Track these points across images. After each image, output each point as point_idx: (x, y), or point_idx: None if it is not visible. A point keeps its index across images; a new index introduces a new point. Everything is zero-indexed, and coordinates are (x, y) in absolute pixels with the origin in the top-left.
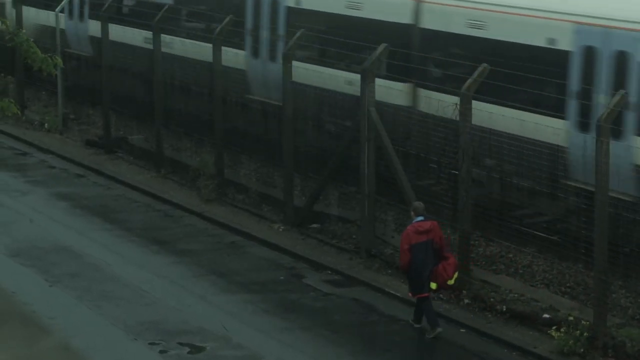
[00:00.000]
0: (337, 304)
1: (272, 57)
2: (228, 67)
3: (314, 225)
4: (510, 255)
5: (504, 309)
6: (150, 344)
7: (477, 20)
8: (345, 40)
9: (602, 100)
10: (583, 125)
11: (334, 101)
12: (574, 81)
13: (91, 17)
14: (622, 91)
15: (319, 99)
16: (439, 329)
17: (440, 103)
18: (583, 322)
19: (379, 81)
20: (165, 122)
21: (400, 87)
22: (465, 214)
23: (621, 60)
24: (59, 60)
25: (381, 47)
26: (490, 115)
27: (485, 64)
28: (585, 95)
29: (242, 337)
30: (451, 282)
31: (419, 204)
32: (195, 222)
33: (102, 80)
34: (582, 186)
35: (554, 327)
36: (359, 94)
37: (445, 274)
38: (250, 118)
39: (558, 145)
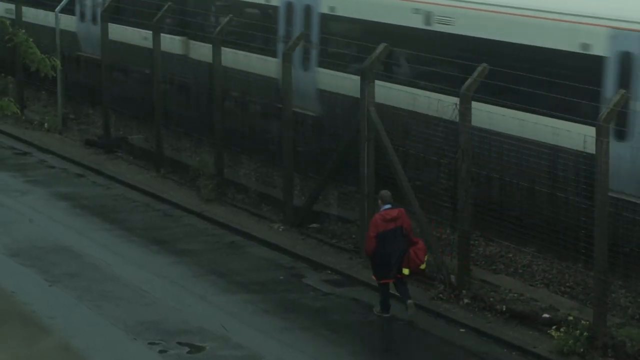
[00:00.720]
0: (337, 303)
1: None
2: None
3: (314, 225)
4: (510, 255)
5: (504, 309)
6: (150, 343)
7: None
8: None
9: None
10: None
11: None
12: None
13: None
14: (621, 91)
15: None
16: (386, 314)
17: (202, 48)
18: (583, 321)
19: (165, 37)
20: (165, 122)
21: (177, 39)
22: (465, 214)
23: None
24: (57, 62)
25: (381, 47)
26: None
27: (485, 64)
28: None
29: (241, 337)
30: (423, 266)
31: (385, 192)
32: (195, 222)
33: (102, 80)
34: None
35: (553, 327)
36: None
37: (417, 259)
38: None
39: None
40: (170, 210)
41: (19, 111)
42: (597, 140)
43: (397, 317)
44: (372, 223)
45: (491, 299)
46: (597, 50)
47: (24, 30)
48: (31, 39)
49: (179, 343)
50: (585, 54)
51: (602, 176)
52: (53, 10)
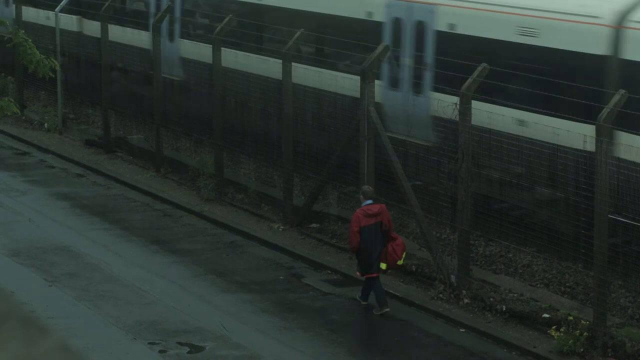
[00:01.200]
0: (337, 303)
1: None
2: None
3: (314, 225)
4: (510, 255)
5: (504, 309)
6: (149, 343)
7: None
8: None
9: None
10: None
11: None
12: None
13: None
14: (621, 91)
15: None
16: (387, 309)
17: (92, 25)
18: (583, 321)
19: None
20: (165, 122)
21: (73, 18)
22: (464, 213)
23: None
24: (55, 63)
25: (381, 47)
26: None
27: (485, 64)
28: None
29: (241, 336)
30: (400, 262)
31: (367, 188)
32: (195, 222)
33: (102, 80)
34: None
35: (553, 327)
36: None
37: (394, 254)
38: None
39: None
40: (170, 210)
41: (18, 111)
42: (597, 140)
43: (396, 317)
44: (354, 218)
45: (491, 299)
46: (378, 17)
47: (23, 31)
48: (30, 39)
49: (179, 343)
50: (370, 20)
51: (602, 175)
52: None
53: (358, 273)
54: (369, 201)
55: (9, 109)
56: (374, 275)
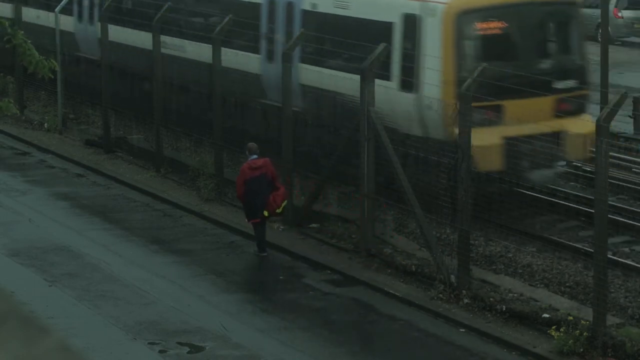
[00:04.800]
0: (336, 303)
1: None
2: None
3: (313, 225)
4: (510, 255)
5: (504, 309)
6: (149, 343)
7: None
8: None
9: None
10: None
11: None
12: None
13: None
14: (622, 91)
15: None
16: (265, 254)
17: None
18: (582, 321)
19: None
20: (165, 122)
21: (7, 5)
22: (464, 213)
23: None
24: (55, 63)
25: (380, 47)
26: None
27: (485, 64)
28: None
29: (241, 336)
30: (280, 210)
31: (252, 145)
32: (195, 222)
33: (102, 80)
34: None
35: (553, 327)
36: None
37: (274, 203)
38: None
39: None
40: (170, 210)
41: (18, 112)
42: (597, 139)
43: (396, 317)
44: (240, 171)
45: (491, 299)
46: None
47: (22, 32)
48: (29, 40)
49: (179, 343)
50: (252, 2)
51: (602, 175)
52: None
53: (246, 219)
54: (254, 156)
55: (8, 109)
56: (257, 220)
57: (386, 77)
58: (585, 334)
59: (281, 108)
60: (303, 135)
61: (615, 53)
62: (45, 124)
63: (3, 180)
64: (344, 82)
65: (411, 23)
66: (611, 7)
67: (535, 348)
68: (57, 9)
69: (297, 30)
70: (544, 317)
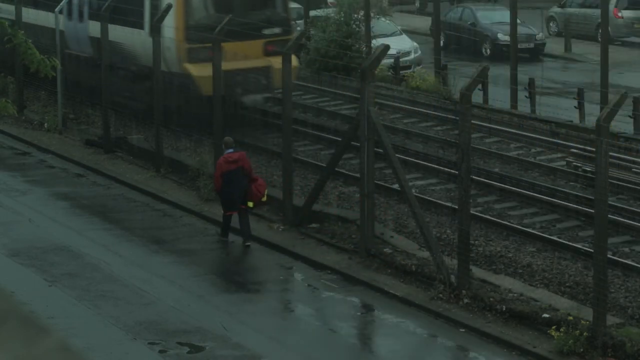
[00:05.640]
0: (337, 303)
1: None
2: None
3: (313, 225)
4: (510, 255)
5: (504, 309)
6: (149, 343)
7: None
8: None
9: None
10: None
11: None
12: None
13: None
14: (622, 91)
15: None
16: (249, 242)
17: None
18: (582, 321)
19: None
20: (165, 122)
21: None
22: (464, 213)
23: None
24: (56, 62)
25: (381, 47)
26: None
27: (486, 65)
28: None
29: (241, 336)
30: (264, 198)
31: (228, 139)
32: (195, 222)
33: (102, 79)
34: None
35: (553, 327)
36: None
37: (258, 193)
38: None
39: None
40: (170, 210)
41: (16, 112)
42: (597, 140)
43: (397, 317)
44: (217, 165)
45: (491, 299)
46: None
47: (23, 31)
48: (30, 40)
49: (179, 343)
50: None
51: (602, 175)
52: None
53: (223, 212)
54: (230, 150)
55: (6, 110)
56: (233, 212)
57: (140, 25)
58: (585, 334)
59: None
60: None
61: (615, 53)
62: (45, 124)
63: (3, 180)
64: (114, 32)
65: None
66: (611, 7)
67: (535, 348)
68: (57, 9)
69: None
70: (544, 317)
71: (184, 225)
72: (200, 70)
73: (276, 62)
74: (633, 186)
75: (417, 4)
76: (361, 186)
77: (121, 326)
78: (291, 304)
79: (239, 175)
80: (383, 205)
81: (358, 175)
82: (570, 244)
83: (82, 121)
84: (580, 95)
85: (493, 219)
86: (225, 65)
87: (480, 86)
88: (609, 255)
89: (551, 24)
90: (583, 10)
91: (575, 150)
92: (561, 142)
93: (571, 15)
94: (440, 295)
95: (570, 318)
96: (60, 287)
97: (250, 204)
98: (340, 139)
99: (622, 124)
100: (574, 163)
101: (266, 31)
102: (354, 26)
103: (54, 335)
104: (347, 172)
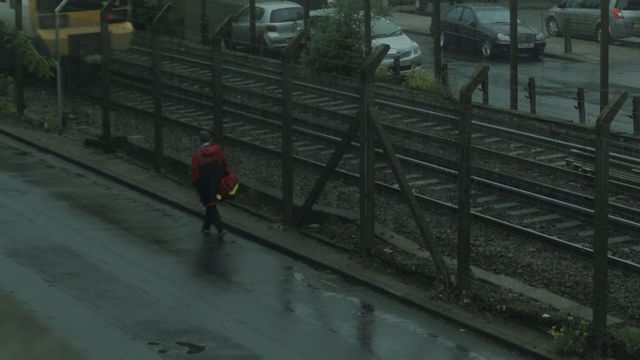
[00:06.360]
0: (336, 303)
1: None
2: None
3: (313, 225)
4: (510, 255)
5: (504, 309)
6: (149, 343)
7: None
8: None
9: None
10: None
11: None
12: None
13: None
14: (622, 91)
15: None
16: (225, 231)
17: None
18: (582, 321)
19: None
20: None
21: None
22: (464, 213)
23: None
24: (55, 62)
25: (381, 47)
26: None
27: (486, 65)
28: None
29: (241, 336)
30: (232, 192)
31: (204, 132)
32: (195, 222)
33: (102, 79)
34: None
35: (553, 327)
36: None
37: (227, 187)
38: None
39: None
40: (170, 210)
41: (15, 111)
42: (597, 140)
43: (397, 316)
44: (194, 158)
45: (491, 299)
46: None
47: (22, 32)
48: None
49: (179, 343)
50: None
51: (602, 176)
52: None
53: (202, 205)
54: (207, 143)
55: (6, 108)
56: (212, 204)
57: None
58: (585, 334)
59: None
60: None
61: (615, 53)
62: (45, 124)
63: (3, 180)
64: None
65: None
66: (611, 7)
67: (535, 348)
68: (57, 9)
69: None
70: (544, 317)
71: (184, 225)
72: (49, 35)
73: (114, 28)
74: (633, 186)
75: (417, 4)
76: (361, 186)
77: (121, 326)
78: (291, 304)
79: (214, 168)
80: (383, 205)
81: (358, 175)
82: (570, 244)
83: (82, 121)
84: (580, 95)
85: (493, 219)
86: (72, 31)
87: (480, 86)
88: (609, 255)
89: (551, 24)
90: (583, 10)
91: (575, 150)
92: (561, 142)
93: (571, 15)
94: (440, 295)
95: (570, 318)
96: (60, 287)
97: (219, 197)
98: (340, 139)
99: (622, 124)
100: (574, 163)
101: (104, 2)
102: (354, 26)
103: (54, 335)
104: (347, 172)
